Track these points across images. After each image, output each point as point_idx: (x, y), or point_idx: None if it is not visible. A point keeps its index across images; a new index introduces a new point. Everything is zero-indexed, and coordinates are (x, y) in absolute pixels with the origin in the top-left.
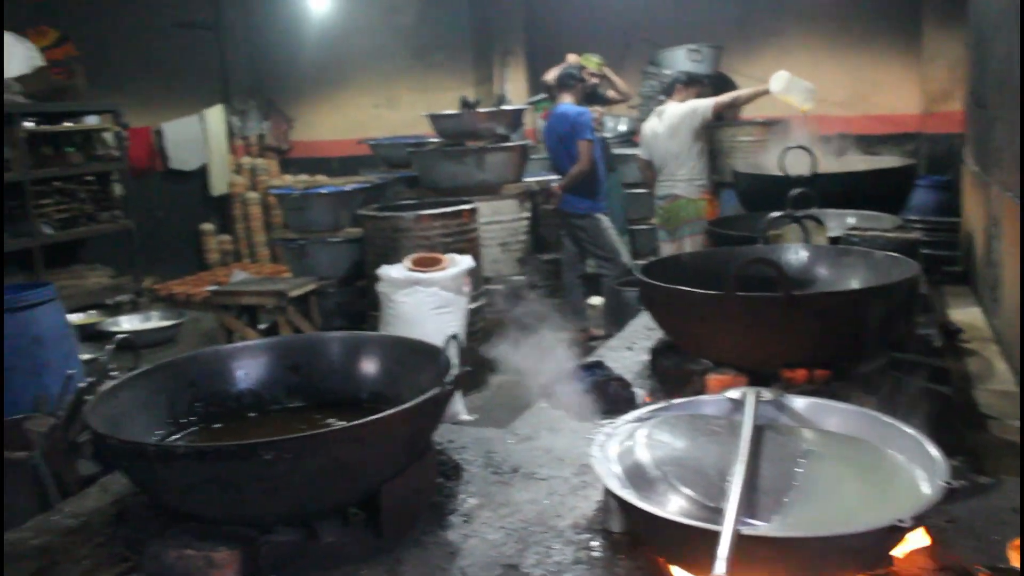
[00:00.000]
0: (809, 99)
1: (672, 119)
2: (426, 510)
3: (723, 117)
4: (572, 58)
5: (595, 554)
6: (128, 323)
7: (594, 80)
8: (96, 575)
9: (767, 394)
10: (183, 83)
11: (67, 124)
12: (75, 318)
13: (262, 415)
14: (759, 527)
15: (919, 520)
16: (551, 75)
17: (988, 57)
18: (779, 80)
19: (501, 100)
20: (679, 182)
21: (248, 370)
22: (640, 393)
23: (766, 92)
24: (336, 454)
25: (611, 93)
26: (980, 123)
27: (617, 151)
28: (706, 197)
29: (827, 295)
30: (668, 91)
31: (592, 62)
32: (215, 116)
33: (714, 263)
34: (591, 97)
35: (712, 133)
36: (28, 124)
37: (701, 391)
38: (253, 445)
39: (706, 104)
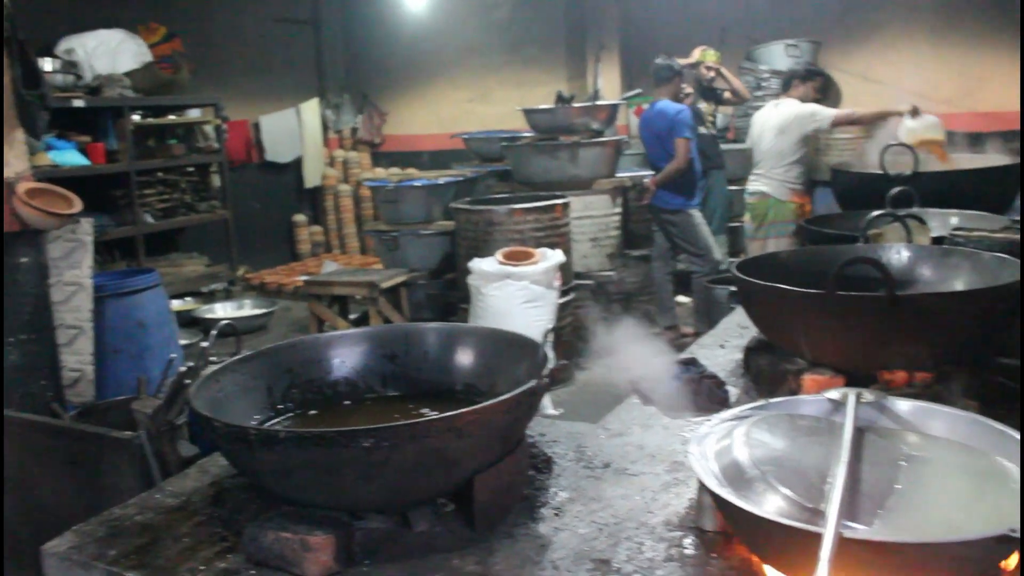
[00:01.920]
0: (939, 131)
1: (786, 117)
2: (518, 502)
3: None
4: (698, 52)
5: (687, 552)
6: (222, 310)
7: (711, 74)
8: (196, 552)
9: (868, 395)
10: (280, 77)
11: (171, 117)
12: (172, 304)
13: (357, 403)
14: (860, 531)
15: None
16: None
17: None
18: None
19: (595, 95)
20: (773, 180)
21: (344, 359)
22: (734, 392)
23: (887, 116)
24: (433, 444)
25: (727, 94)
26: None
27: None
28: (797, 200)
29: (932, 296)
30: (786, 85)
31: (710, 56)
32: (310, 110)
33: (812, 261)
34: (706, 92)
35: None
36: (135, 117)
37: (796, 391)
38: (353, 432)
39: (826, 115)
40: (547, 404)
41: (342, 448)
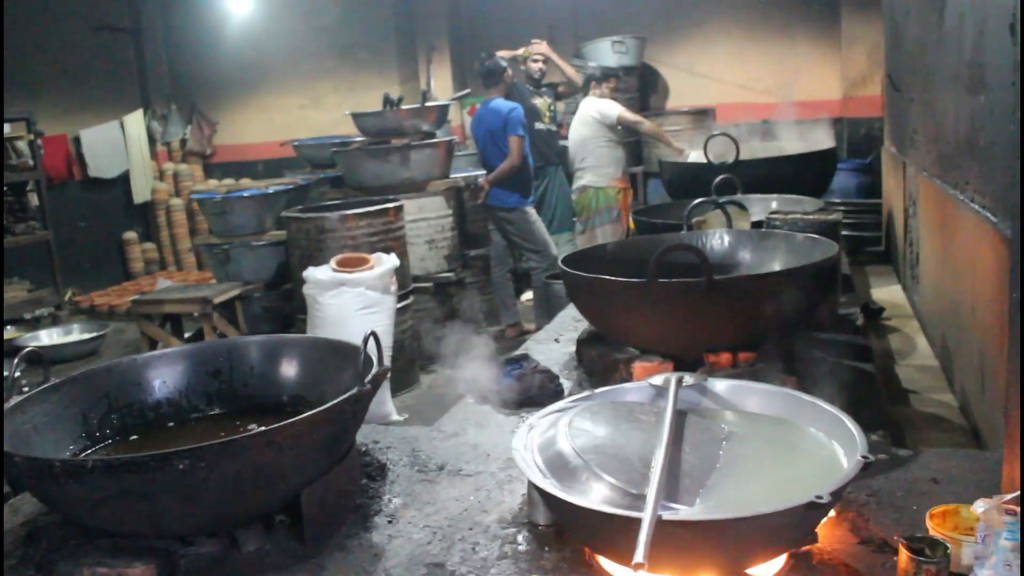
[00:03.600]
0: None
1: (585, 112)
2: (350, 513)
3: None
4: (523, 50)
5: (521, 548)
6: (47, 337)
7: (539, 65)
8: None
9: (689, 379)
10: (101, 88)
11: None
12: None
13: (181, 424)
14: (681, 511)
15: (837, 495)
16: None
17: (901, 42)
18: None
19: (425, 97)
20: (587, 172)
21: (166, 379)
22: (568, 384)
23: (663, 141)
24: (253, 460)
25: (561, 87)
26: (897, 106)
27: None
28: (617, 185)
29: (747, 278)
30: (586, 87)
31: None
32: (135, 122)
33: (638, 251)
34: (538, 85)
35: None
36: None
37: (628, 379)
38: (165, 455)
39: (613, 112)
40: (391, 410)
41: (156, 472)
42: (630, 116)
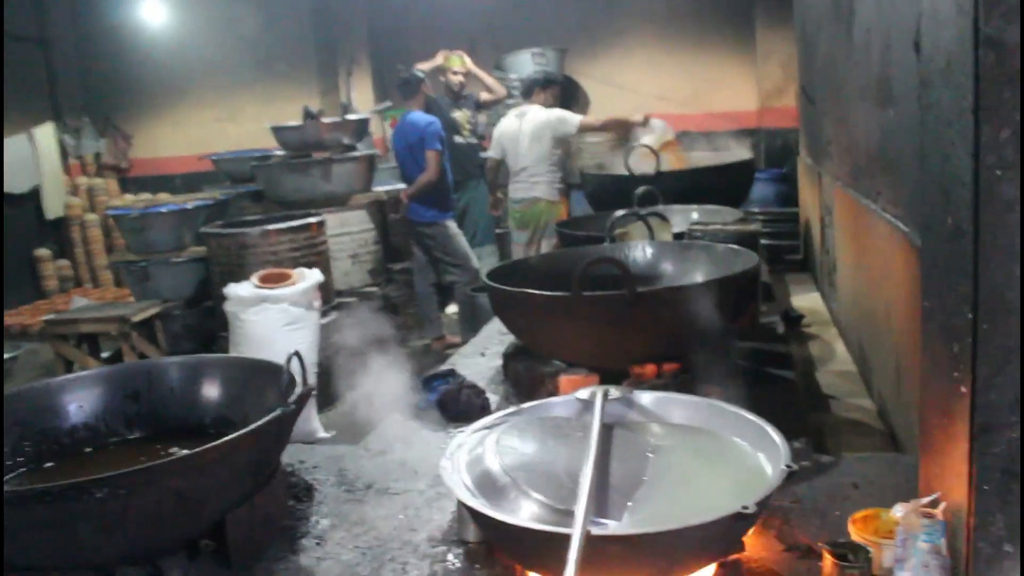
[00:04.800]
0: (670, 133)
1: (538, 123)
2: (276, 535)
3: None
4: (441, 56)
5: (452, 566)
6: None
7: (459, 78)
8: None
9: (615, 392)
10: (8, 100)
11: None
12: None
13: (100, 449)
14: (610, 526)
15: (763, 505)
16: (424, 67)
17: (813, 55)
18: (657, 129)
19: (346, 109)
20: (540, 185)
21: (82, 403)
22: (495, 399)
23: (626, 124)
24: (174, 486)
25: (484, 94)
26: (811, 118)
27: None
28: (563, 201)
29: (669, 290)
30: (527, 93)
31: (455, 61)
32: (45, 134)
33: (562, 264)
34: (457, 97)
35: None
36: None
37: (554, 393)
38: (82, 483)
39: (574, 120)
40: (317, 427)
41: (73, 502)
42: (594, 122)
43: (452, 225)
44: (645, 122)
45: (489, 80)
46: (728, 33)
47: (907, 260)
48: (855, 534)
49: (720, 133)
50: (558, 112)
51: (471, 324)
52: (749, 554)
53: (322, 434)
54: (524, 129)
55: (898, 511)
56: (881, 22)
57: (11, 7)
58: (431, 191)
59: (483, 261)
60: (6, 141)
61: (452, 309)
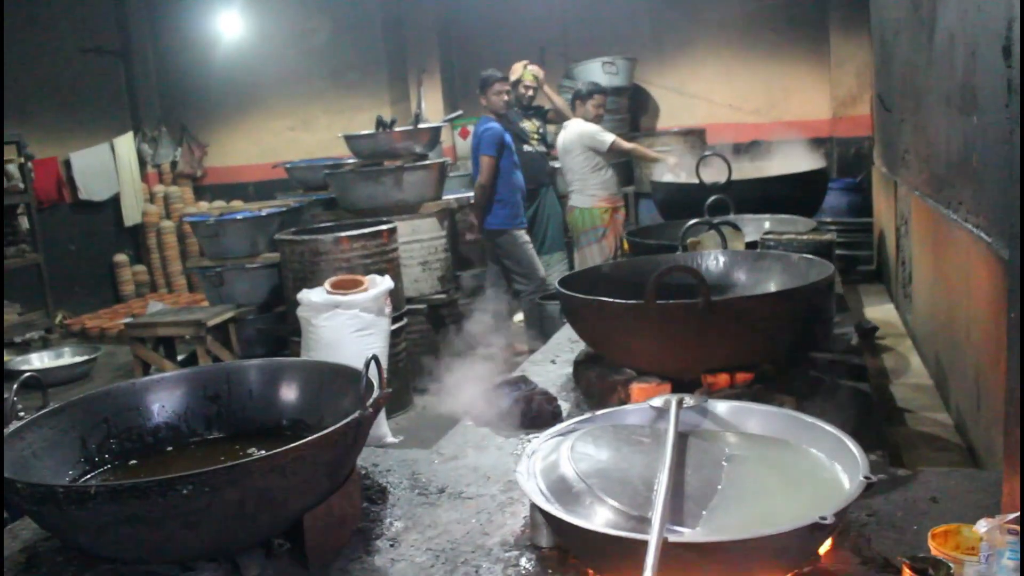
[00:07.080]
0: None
1: (571, 137)
2: (352, 536)
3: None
4: (519, 68)
5: (524, 571)
6: (38, 360)
7: (529, 92)
8: None
9: (690, 400)
10: (91, 111)
11: None
12: None
13: (180, 449)
14: (685, 534)
15: (840, 516)
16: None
17: (891, 61)
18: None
19: (417, 119)
20: (574, 193)
21: (164, 403)
22: (566, 406)
23: (654, 160)
24: (255, 485)
25: (551, 113)
26: (886, 126)
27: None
28: (604, 204)
29: (744, 299)
30: (572, 106)
31: (528, 76)
32: (125, 144)
33: (634, 272)
34: (526, 108)
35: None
36: None
37: (626, 401)
38: (169, 480)
39: (606, 140)
40: (386, 432)
41: (160, 498)
42: (624, 146)
43: (521, 234)
44: (669, 161)
45: (558, 102)
46: (801, 41)
47: (990, 271)
48: (935, 549)
49: (792, 141)
50: (593, 128)
51: (539, 332)
52: (824, 566)
53: (391, 439)
54: (563, 143)
55: (982, 527)
56: (966, 27)
57: (94, 22)
58: (498, 198)
59: (552, 268)
60: (89, 151)
61: (518, 318)
